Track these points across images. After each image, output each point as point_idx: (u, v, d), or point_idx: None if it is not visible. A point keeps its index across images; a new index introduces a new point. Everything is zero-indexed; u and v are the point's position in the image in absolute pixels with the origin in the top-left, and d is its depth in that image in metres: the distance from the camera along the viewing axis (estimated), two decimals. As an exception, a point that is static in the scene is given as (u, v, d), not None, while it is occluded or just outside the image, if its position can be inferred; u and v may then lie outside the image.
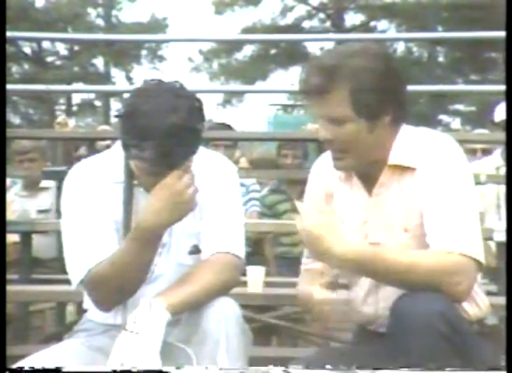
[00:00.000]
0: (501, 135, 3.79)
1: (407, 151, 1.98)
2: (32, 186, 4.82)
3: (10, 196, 4.66)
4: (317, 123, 2.01)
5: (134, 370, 1.74)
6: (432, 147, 1.96)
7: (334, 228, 1.88)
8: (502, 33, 3.67)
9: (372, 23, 22.16)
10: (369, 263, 1.86)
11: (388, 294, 1.98)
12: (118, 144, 2.07)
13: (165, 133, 1.83)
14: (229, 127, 5.14)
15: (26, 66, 22.24)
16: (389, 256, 1.86)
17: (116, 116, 1.96)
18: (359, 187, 2.06)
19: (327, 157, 2.13)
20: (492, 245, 3.38)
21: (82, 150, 5.95)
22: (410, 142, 1.99)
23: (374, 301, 2.05)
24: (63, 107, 21.64)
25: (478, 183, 3.85)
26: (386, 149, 1.99)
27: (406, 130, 2.02)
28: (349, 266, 1.88)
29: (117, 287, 1.95)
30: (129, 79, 21.27)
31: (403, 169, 1.98)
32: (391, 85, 1.94)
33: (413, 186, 1.96)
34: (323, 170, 2.14)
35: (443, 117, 21.77)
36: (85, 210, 2.01)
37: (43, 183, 4.80)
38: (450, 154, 1.96)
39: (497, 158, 4.40)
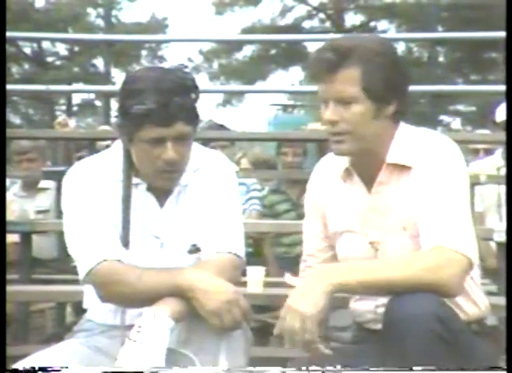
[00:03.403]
0: (501, 135, 3.79)
1: (404, 151, 2.00)
2: (31, 187, 4.82)
3: (9, 196, 4.66)
4: (324, 106, 2.00)
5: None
6: (428, 146, 1.98)
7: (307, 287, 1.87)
8: (502, 33, 3.67)
9: (372, 23, 22.15)
10: (356, 289, 1.88)
11: None
12: (118, 143, 2.08)
13: (163, 86, 1.92)
14: (222, 127, 5.17)
15: (26, 66, 22.23)
16: (371, 274, 1.86)
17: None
18: (360, 186, 2.07)
19: (328, 159, 2.15)
20: (493, 245, 3.38)
21: (84, 152, 5.95)
22: (408, 141, 2.01)
23: (373, 298, 2.06)
24: (63, 107, 21.59)
25: (478, 183, 3.86)
26: (385, 144, 2.00)
27: (405, 130, 2.04)
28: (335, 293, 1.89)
29: (125, 293, 1.95)
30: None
31: (401, 168, 2.00)
32: (400, 75, 1.99)
33: (410, 185, 1.97)
34: (324, 171, 2.14)
35: (444, 117, 21.77)
36: (88, 205, 2.01)
37: (42, 184, 4.80)
38: (444, 153, 1.97)
39: (498, 159, 4.40)
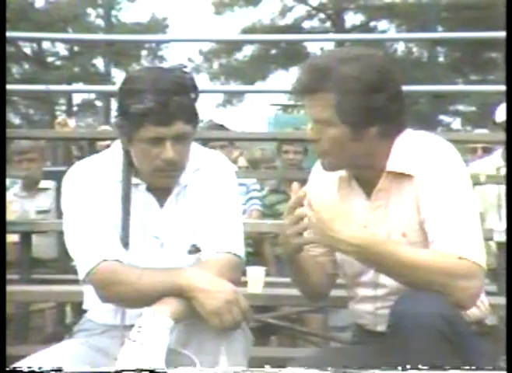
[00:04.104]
0: (501, 135, 3.79)
1: (405, 158, 1.97)
2: (31, 187, 4.83)
3: (9, 196, 4.66)
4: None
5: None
6: (428, 154, 1.96)
7: (343, 214, 1.89)
8: (502, 33, 3.67)
9: (372, 23, 22.15)
10: (379, 252, 1.86)
11: (387, 293, 1.98)
12: (118, 143, 2.08)
13: (162, 85, 1.92)
14: (222, 127, 5.18)
15: (26, 66, 22.22)
16: (399, 248, 1.87)
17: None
18: (358, 191, 2.06)
19: None
20: (493, 245, 3.37)
21: (76, 151, 5.97)
22: (408, 149, 1.98)
23: (373, 300, 2.05)
24: (63, 107, 21.61)
25: (478, 183, 3.85)
26: (379, 157, 1.98)
27: (405, 135, 2.02)
28: (357, 252, 1.87)
29: (126, 294, 1.95)
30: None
31: (402, 175, 1.98)
32: (381, 97, 1.92)
33: (412, 192, 1.96)
34: (323, 173, 2.14)
35: (444, 117, 21.76)
36: (87, 205, 2.01)
37: (43, 184, 4.81)
38: (447, 160, 1.95)
39: (498, 159, 4.40)
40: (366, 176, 2.03)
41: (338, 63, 1.94)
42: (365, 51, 2.00)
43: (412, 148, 1.98)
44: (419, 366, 1.71)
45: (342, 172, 2.08)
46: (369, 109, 1.92)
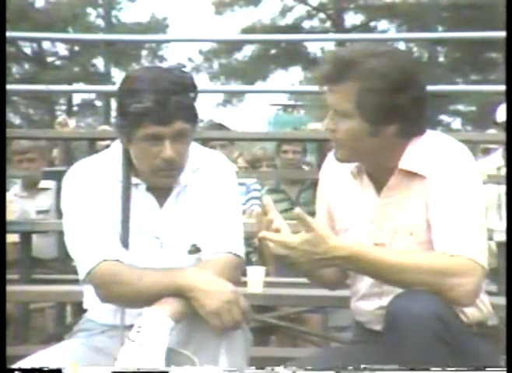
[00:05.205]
0: (501, 135, 3.79)
1: (419, 158, 1.96)
2: (31, 187, 4.82)
3: (9, 196, 4.66)
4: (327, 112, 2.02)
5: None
6: (443, 156, 1.95)
7: (318, 236, 1.89)
8: (502, 33, 3.67)
9: (372, 23, 22.18)
10: (365, 259, 1.86)
11: (388, 291, 1.98)
12: (117, 143, 2.08)
13: (161, 85, 1.92)
14: (223, 127, 5.19)
15: (26, 66, 22.25)
16: (388, 255, 1.87)
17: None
18: (369, 186, 2.05)
19: None
20: (493, 245, 3.37)
21: (55, 152, 6.00)
22: (422, 149, 1.97)
23: (374, 297, 2.05)
24: (63, 107, 21.64)
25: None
26: (393, 155, 1.97)
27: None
28: (344, 262, 1.88)
29: (127, 294, 1.95)
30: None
31: (413, 174, 1.97)
32: (404, 97, 1.91)
33: (422, 193, 1.95)
34: (335, 164, 2.13)
35: (444, 117, 21.77)
36: (87, 205, 2.01)
37: (43, 184, 4.81)
38: (461, 165, 1.94)
39: (498, 159, 4.40)
40: (378, 172, 2.03)
41: (365, 56, 1.93)
42: (394, 48, 2.00)
43: (427, 149, 1.97)
44: (416, 365, 1.71)
45: (355, 165, 2.07)
46: (390, 108, 1.91)
